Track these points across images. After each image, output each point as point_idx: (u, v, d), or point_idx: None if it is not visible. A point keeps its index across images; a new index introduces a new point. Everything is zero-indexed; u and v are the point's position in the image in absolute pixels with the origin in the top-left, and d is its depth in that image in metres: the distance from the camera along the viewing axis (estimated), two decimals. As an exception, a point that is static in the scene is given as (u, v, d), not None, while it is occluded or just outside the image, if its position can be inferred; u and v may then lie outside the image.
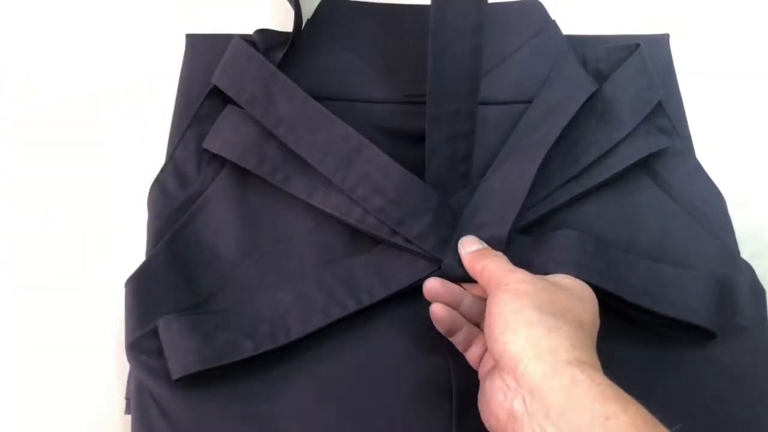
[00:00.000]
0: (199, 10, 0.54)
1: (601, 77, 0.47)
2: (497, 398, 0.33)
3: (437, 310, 0.39)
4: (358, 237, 0.43)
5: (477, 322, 0.39)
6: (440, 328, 0.39)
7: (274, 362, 0.39)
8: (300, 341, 0.39)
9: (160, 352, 0.38)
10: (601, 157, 0.44)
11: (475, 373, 0.39)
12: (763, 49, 0.53)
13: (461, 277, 0.40)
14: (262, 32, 0.48)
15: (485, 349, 0.38)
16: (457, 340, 0.39)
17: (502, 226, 0.41)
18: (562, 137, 0.44)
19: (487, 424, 0.35)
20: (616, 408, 0.29)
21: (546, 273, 0.39)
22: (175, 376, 0.38)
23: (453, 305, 0.39)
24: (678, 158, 0.46)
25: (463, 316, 0.39)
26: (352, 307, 0.40)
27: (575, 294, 0.36)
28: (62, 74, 0.51)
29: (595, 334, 0.35)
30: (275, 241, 0.43)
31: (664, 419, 0.30)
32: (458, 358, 0.40)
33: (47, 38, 0.53)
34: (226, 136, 0.45)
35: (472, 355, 0.39)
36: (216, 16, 0.54)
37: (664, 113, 0.47)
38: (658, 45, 0.51)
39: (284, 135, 0.43)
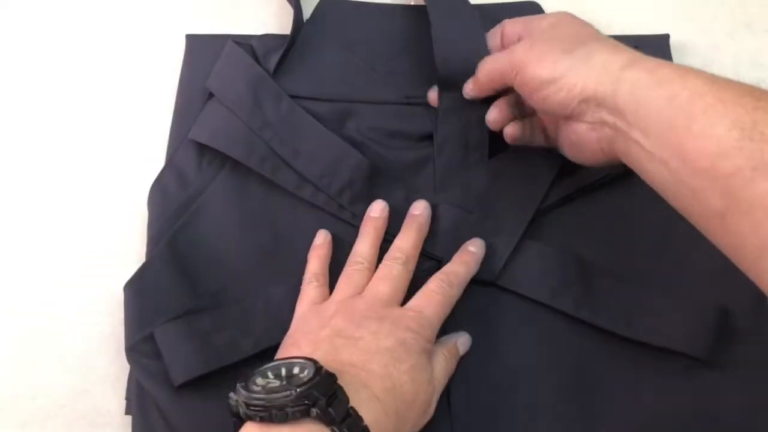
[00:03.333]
0: (199, 10, 0.54)
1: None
2: (591, 139, 0.37)
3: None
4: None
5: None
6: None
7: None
8: None
9: (159, 355, 0.38)
10: None
11: (473, 369, 0.40)
12: (763, 48, 0.53)
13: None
14: (260, 38, 0.48)
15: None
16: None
17: (511, 236, 0.42)
18: None
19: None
20: (676, 86, 0.31)
21: (518, 287, 0.41)
22: (177, 382, 0.38)
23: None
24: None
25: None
26: None
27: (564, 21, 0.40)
28: (61, 73, 0.51)
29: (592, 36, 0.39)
30: (275, 241, 0.43)
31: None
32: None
33: (47, 38, 0.53)
34: (213, 127, 0.45)
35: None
36: (216, 16, 0.53)
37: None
38: (658, 45, 0.51)
39: (270, 138, 0.44)
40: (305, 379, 0.31)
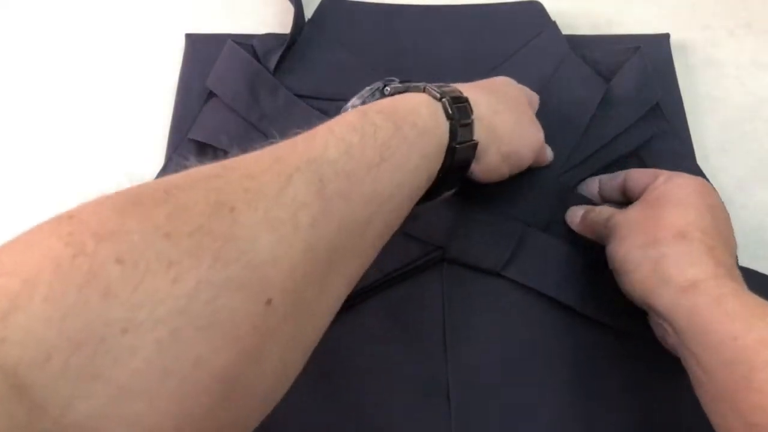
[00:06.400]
0: (199, 10, 0.54)
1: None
2: (656, 328, 0.35)
3: None
4: None
5: None
6: None
7: None
8: None
9: None
10: (594, 153, 0.45)
11: (474, 369, 0.39)
12: (764, 48, 0.53)
13: (465, 263, 0.41)
14: (260, 37, 0.48)
15: None
16: None
17: (517, 226, 0.42)
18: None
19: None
20: (742, 327, 0.29)
21: (524, 279, 0.41)
22: None
23: None
24: (677, 159, 0.46)
25: None
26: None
27: (672, 204, 0.36)
28: (61, 73, 0.51)
29: (713, 231, 0.34)
30: None
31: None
32: (454, 352, 0.40)
33: (47, 38, 0.53)
34: (212, 126, 0.45)
35: None
36: (216, 16, 0.53)
37: (662, 115, 0.47)
38: (658, 45, 0.51)
39: (267, 131, 0.44)
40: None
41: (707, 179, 0.45)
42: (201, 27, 0.51)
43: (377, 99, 0.34)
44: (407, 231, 0.42)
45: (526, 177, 0.42)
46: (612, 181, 0.43)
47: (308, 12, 0.51)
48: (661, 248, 0.34)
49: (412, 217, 0.42)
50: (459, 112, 0.32)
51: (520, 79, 0.48)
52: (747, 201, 0.47)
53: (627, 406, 0.39)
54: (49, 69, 0.51)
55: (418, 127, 0.29)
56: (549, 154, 0.43)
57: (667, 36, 0.52)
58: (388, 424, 0.39)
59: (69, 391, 0.18)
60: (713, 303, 0.31)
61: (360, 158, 0.27)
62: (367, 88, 0.35)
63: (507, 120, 0.35)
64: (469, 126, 0.32)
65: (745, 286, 0.33)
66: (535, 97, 0.44)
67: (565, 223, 0.43)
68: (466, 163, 0.33)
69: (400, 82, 0.35)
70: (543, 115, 0.45)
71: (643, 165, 0.45)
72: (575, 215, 0.43)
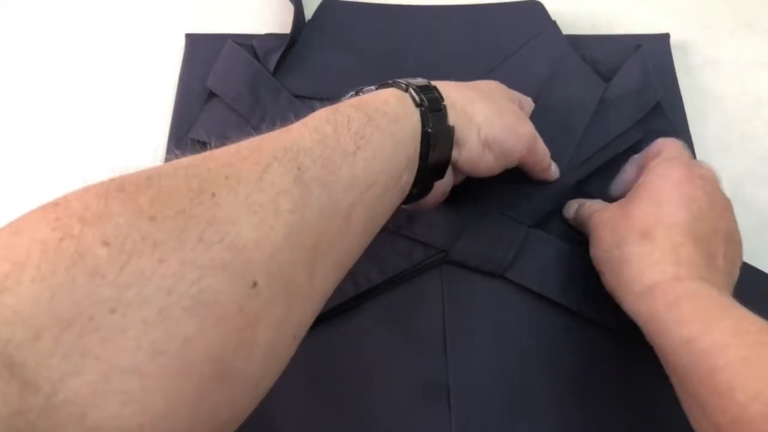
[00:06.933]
0: (199, 10, 0.54)
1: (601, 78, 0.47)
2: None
3: None
4: None
5: None
6: None
7: None
8: None
9: None
10: (595, 154, 0.45)
11: (474, 371, 0.39)
12: (764, 47, 0.53)
13: (468, 265, 0.41)
14: (261, 38, 0.48)
15: None
16: None
17: (519, 228, 0.42)
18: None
19: None
20: (698, 330, 0.29)
21: (525, 281, 0.41)
22: None
23: None
24: (678, 159, 0.46)
25: None
26: (350, 292, 0.40)
27: (643, 198, 0.36)
28: (61, 73, 0.51)
29: (684, 226, 0.33)
30: None
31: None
32: (454, 353, 0.40)
33: (47, 38, 0.53)
34: (212, 126, 0.46)
35: None
36: (216, 16, 0.54)
37: (663, 114, 0.47)
38: (658, 45, 0.51)
39: (268, 130, 0.44)
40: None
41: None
42: (201, 27, 0.51)
43: None
44: (409, 234, 0.42)
45: (529, 179, 0.43)
46: (624, 177, 0.43)
47: (308, 12, 0.51)
48: (624, 249, 0.34)
49: (409, 218, 0.42)
50: (428, 100, 0.32)
51: (520, 79, 0.48)
52: (747, 200, 0.47)
53: (627, 408, 0.39)
54: (49, 69, 0.51)
55: (389, 116, 0.30)
56: (543, 148, 0.41)
57: (667, 36, 0.52)
58: (388, 426, 0.38)
59: (60, 368, 0.19)
60: (666, 307, 0.30)
61: (335, 146, 0.27)
62: (343, 97, 0.36)
63: (482, 108, 0.36)
64: (440, 112, 0.33)
65: (721, 284, 0.32)
66: (527, 101, 0.44)
67: (564, 222, 0.43)
68: (446, 151, 0.34)
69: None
70: (543, 115, 0.45)
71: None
72: (571, 210, 0.43)
